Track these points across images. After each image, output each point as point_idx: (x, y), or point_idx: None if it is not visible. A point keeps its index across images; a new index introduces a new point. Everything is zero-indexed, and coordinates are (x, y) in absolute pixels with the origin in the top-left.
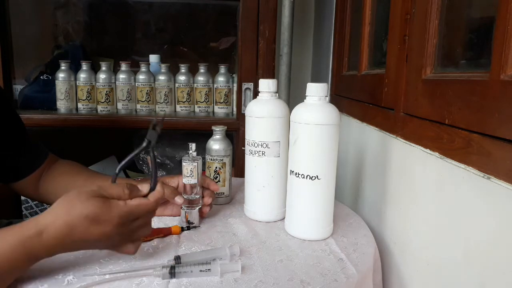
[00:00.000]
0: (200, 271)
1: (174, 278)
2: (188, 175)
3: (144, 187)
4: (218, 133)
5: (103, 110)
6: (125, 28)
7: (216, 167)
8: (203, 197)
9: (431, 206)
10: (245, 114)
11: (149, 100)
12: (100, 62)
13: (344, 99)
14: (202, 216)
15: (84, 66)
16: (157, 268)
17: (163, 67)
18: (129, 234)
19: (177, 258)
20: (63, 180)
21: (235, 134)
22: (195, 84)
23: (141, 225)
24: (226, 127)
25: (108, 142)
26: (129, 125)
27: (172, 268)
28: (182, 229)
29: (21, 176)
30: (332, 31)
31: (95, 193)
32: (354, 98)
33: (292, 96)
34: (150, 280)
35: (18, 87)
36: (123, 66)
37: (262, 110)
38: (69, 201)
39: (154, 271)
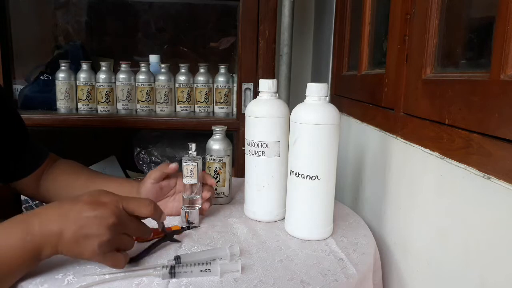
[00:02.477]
0: (200, 271)
1: (174, 278)
2: (188, 175)
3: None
4: (218, 133)
5: (103, 110)
6: (125, 28)
7: (216, 167)
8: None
9: (431, 206)
10: (245, 114)
11: (149, 100)
12: (100, 62)
13: (344, 99)
14: (202, 213)
15: (84, 66)
16: (157, 268)
17: (163, 67)
18: (119, 237)
19: (177, 258)
20: (64, 179)
21: (235, 134)
22: (195, 84)
23: (131, 230)
24: (226, 127)
25: (108, 142)
26: (129, 125)
27: (172, 268)
28: (182, 229)
29: (22, 175)
30: (332, 31)
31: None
32: (354, 98)
33: (292, 96)
34: (150, 280)
35: (18, 87)
36: (123, 66)
37: (262, 110)
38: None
39: (154, 271)
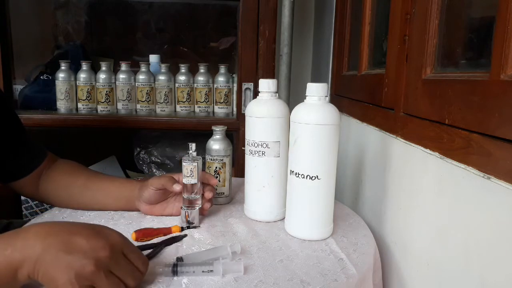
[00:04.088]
0: (203, 271)
1: (176, 276)
2: (188, 175)
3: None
4: (218, 133)
5: (103, 110)
6: (125, 28)
7: (216, 167)
8: (203, 193)
9: (431, 206)
10: (245, 114)
11: (149, 100)
12: (100, 62)
13: (344, 99)
14: (203, 213)
15: (84, 66)
16: (159, 266)
17: (163, 67)
18: (104, 276)
19: (179, 259)
20: (64, 179)
21: (235, 134)
22: (195, 84)
23: (123, 272)
24: (226, 127)
25: (108, 142)
26: (129, 125)
27: (175, 266)
28: (182, 229)
29: (21, 175)
30: (332, 31)
31: None
32: (354, 98)
33: (292, 96)
34: (151, 279)
35: (18, 87)
36: (123, 66)
37: (262, 110)
38: None
39: (157, 269)
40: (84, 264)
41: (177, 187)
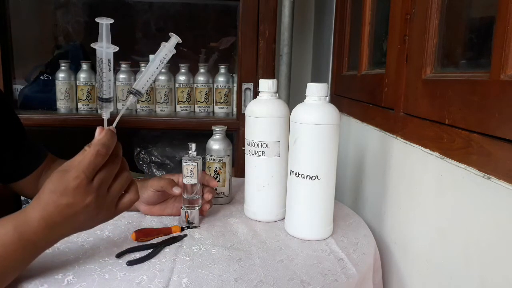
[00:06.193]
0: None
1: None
2: (188, 175)
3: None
4: (218, 133)
5: None
6: (125, 28)
7: (216, 167)
8: (203, 194)
9: (431, 206)
10: (245, 114)
11: (149, 100)
12: None
13: (344, 99)
14: (202, 214)
15: (84, 66)
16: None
17: (163, 67)
18: (104, 195)
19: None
20: None
21: (235, 134)
22: (195, 84)
23: (108, 176)
24: (226, 127)
25: None
26: (129, 125)
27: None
28: (182, 229)
29: (21, 176)
30: (332, 31)
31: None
32: (354, 98)
33: (292, 96)
34: (150, 279)
35: (18, 87)
36: (123, 66)
37: (262, 110)
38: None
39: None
40: (94, 215)
41: (176, 190)
